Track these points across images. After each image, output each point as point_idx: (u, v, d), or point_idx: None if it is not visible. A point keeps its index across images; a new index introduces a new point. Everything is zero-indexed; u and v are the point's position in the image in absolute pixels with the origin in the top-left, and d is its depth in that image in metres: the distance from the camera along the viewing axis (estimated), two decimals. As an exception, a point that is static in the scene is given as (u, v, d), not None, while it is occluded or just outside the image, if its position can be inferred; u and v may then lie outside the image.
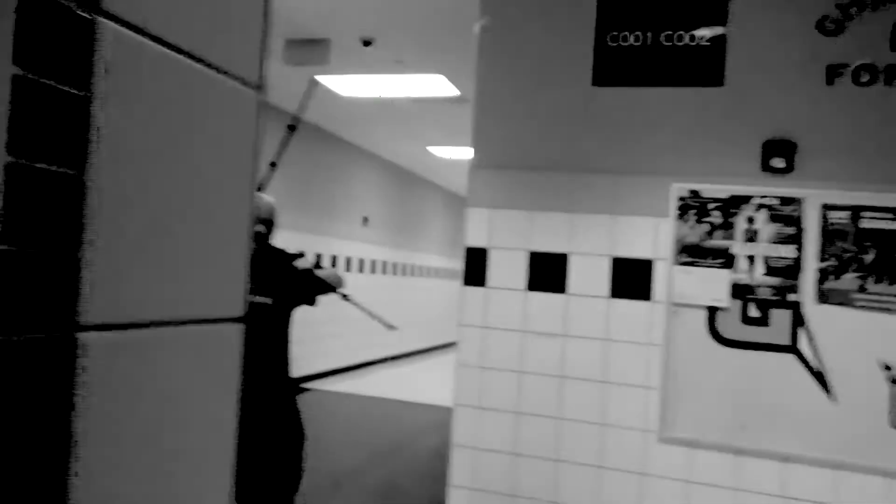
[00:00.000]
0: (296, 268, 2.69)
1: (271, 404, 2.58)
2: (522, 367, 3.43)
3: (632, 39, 3.26)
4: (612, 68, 3.31)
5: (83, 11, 0.56)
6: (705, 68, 3.19)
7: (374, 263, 9.11)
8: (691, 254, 3.17)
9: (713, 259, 3.13)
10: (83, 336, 0.58)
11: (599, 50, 3.32)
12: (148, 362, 0.66)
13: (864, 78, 2.99)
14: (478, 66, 3.55)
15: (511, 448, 3.42)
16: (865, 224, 2.95)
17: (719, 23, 3.17)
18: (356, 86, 6.48)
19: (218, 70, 0.73)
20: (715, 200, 3.14)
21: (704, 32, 3.18)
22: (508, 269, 3.45)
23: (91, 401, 0.59)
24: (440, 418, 6.45)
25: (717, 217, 3.14)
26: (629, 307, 3.26)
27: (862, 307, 2.95)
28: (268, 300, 2.57)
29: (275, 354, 2.61)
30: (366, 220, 8.79)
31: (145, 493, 0.65)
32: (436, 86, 6.29)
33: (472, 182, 3.54)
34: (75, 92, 0.57)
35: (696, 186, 3.17)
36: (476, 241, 3.51)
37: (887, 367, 2.93)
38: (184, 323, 0.70)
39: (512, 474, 3.41)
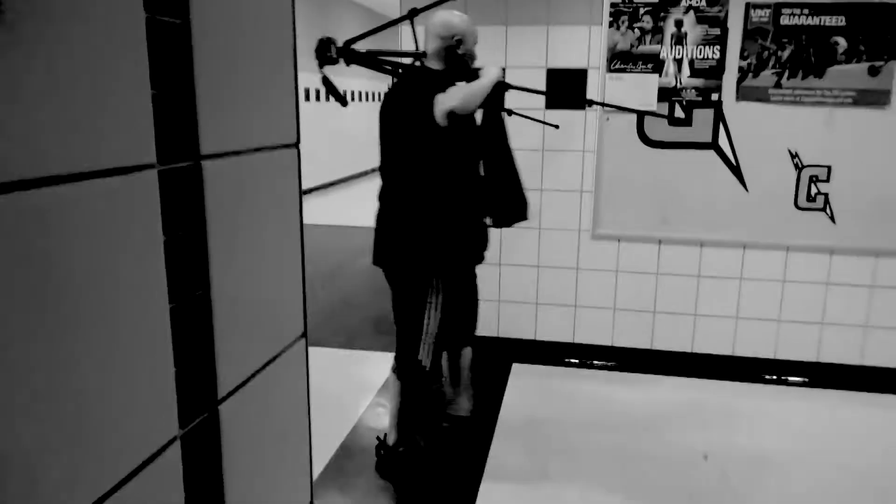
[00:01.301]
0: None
1: None
2: (466, 183, 3.62)
3: None
4: None
5: None
6: None
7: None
8: (623, 60, 3.33)
9: (643, 64, 3.31)
10: (205, 164, 0.70)
11: None
12: (241, 183, 0.78)
13: None
14: None
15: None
16: (785, 21, 3.18)
17: None
18: None
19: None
20: (646, 5, 3.26)
21: None
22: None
23: (212, 213, 0.72)
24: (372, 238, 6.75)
25: (647, 22, 3.27)
26: (565, 116, 3.45)
27: (776, 101, 3.26)
28: None
29: None
30: None
31: (249, 272, 0.82)
32: None
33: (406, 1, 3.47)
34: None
35: (628, -9, 3.26)
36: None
37: (794, 155, 3.31)
38: (261, 149, 0.81)
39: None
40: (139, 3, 0.59)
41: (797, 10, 3.18)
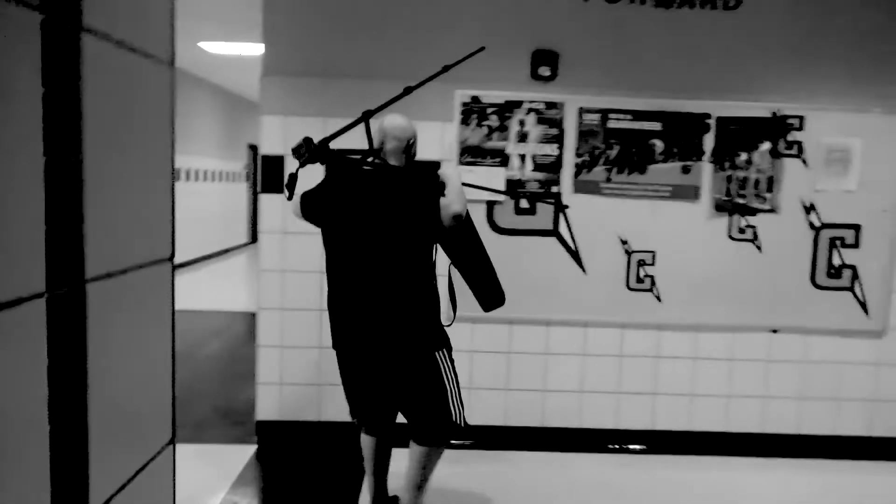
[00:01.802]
0: None
1: None
2: (325, 267, 3.71)
3: (415, -53, 3.46)
4: (397, -24, 3.51)
5: (70, 27, 0.69)
6: (482, -20, 3.53)
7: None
8: (473, 154, 3.63)
9: (492, 158, 3.63)
10: (88, 286, 0.75)
11: (385, -44, 3.48)
12: (120, 300, 0.83)
13: (611, -3, 3.56)
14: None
15: (315, 343, 3.76)
16: (612, 124, 3.63)
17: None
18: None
19: (146, 55, 0.87)
20: (493, 105, 3.60)
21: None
22: (304, 175, 3.63)
23: (92, 331, 0.77)
24: (220, 324, 6.57)
25: (494, 121, 3.61)
26: (420, 205, 3.66)
27: (607, 194, 3.68)
28: None
29: None
30: None
31: (124, 386, 0.86)
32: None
33: (265, 90, 3.60)
34: (72, 97, 0.70)
35: (476, 92, 3.59)
36: (272, 149, 3.63)
37: (624, 242, 3.72)
38: (140, 266, 0.87)
39: (316, 366, 3.77)
40: (39, 149, 0.65)
41: (621, 116, 3.65)
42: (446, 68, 2.69)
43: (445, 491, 3.25)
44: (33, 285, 0.66)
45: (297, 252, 3.69)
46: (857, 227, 3.74)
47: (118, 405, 0.83)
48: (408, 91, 2.56)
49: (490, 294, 2.73)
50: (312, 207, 2.68)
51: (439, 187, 2.57)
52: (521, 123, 3.63)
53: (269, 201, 3.68)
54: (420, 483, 2.70)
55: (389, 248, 2.56)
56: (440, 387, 2.61)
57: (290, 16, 3.57)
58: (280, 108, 3.61)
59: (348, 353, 2.67)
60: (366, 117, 2.51)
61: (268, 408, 3.80)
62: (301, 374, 3.79)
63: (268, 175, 3.65)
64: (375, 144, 2.65)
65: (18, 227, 0.64)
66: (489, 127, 3.62)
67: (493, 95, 3.61)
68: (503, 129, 3.63)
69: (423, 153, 3.65)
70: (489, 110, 3.61)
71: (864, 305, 3.78)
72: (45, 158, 0.67)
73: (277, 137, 3.63)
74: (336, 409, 3.80)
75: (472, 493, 3.25)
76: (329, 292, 2.67)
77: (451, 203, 2.51)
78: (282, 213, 3.67)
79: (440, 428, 2.65)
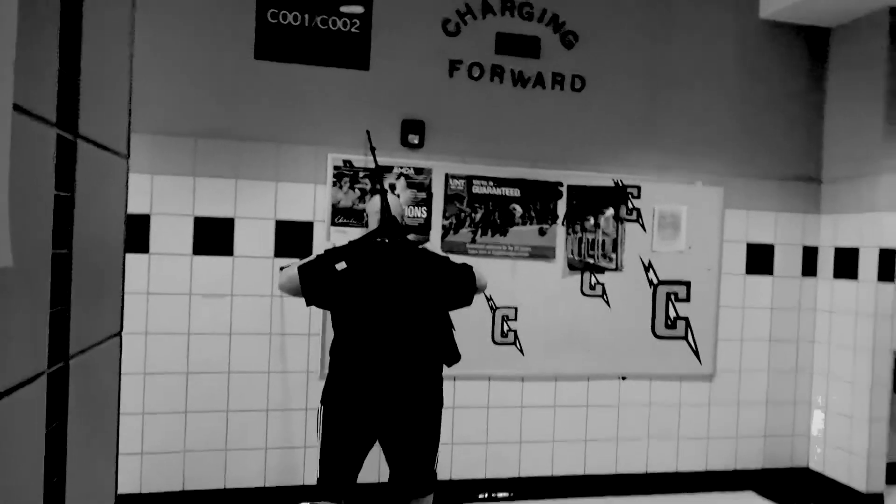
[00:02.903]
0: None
1: None
2: (191, 329, 3.70)
3: (291, 18, 3.68)
4: (273, 44, 3.70)
5: (71, 136, 0.81)
6: (354, 53, 3.81)
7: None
8: (346, 215, 3.82)
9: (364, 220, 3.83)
10: (71, 361, 0.86)
11: (261, 25, 3.67)
12: (86, 374, 0.93)
13: (476, 73, 3.97)
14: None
15: (181, 408, 3.70)
16: (476, 190, 3.98)
17: (365, 6, 3.79)
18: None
19: (113, 152, 0.99)
20: (365, 169, 3.83)
21: (351, 9, 3.77)
22: (173, 234, 3.65)
23: (72, 403, 0.87)
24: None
25: (366, 183, 3.84)
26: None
27: (473, 254, 4.00)
28: None
29: None
30: None
31: (88, 460, 0.96)
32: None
33: (132, 147, 3.58)
34: (69, 199, 0.83)
35: (348, 157, 3.81)
36: (136, 208, 3.61)
37: (489, 298, 4.04)
38: (100, 343, 0.98)
39: (181, 433, 3.70)
40: (49, 244, 0.77)
41: (484, 182, 4.02)
42: (373, 150, 3.31)
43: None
44: (40, 364, 0.77)
45: (161, 314, 3.65)
46: (687, 284, 4.33)
47: (82, 478, 0.93)
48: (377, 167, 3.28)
49: (453, 352, 3.07)
50: (329, 280, 2.87)
51: (447, 262, 3.04)
52: (392, 187, 3.88)
53: (132, 262, 3.63)
54: None
55: (419, 315, 2.93)
56: (437, 441, 3.03)
57: (161, 75, 3.62)
58: (147, 167, 3.62)
59: (359, 415, 2.88)
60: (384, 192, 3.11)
61: (127, 481, 3.66)
62: (164, 443, 3.70)
63: (132, 234, 3.61)
64: (374, 223, 3.09)
65: (32, 314, 0.75)
66: (361, 190, 3.84)
67: (365, 160, 3.84)
68: (375, 192, 3.85)
69: (296, 214, 3.79)
70: (361, 173, 3.84)
71: (696, 353, 4.36)
72: (52, 252, 0.79)
73: (144, 196, 3.62)
74: (201, 476, 3.73)
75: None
76: (348, 359, 2.90)
77: (482, 276, 3.13)
78: (146, 274, 3.63)
79: (432, 477, 3.03)
